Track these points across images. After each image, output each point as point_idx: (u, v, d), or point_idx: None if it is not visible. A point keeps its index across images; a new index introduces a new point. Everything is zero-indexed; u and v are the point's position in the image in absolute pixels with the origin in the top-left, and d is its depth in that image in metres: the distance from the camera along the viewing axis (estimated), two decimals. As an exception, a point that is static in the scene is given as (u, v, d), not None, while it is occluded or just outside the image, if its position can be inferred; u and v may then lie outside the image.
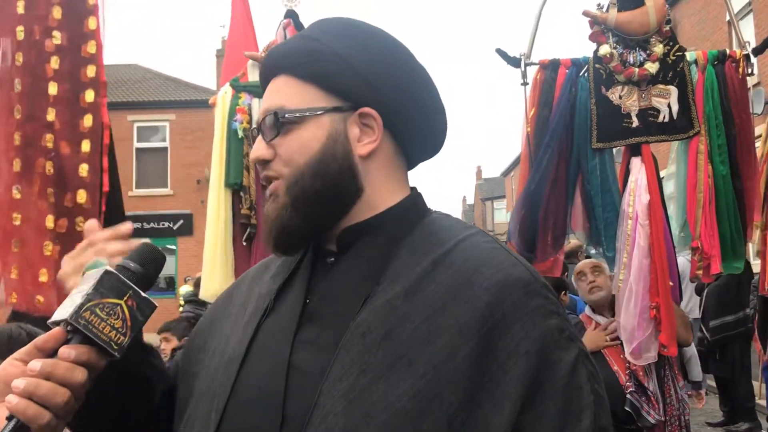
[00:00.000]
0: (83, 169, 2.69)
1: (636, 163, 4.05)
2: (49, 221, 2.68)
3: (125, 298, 1.05)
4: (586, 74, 4.16)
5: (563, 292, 6.73)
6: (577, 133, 4.16)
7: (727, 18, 15.50)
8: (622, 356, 4.02)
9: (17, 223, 2.66)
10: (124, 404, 1.21)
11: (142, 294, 1.08)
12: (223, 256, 3.93)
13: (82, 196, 2.66)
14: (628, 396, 3.96)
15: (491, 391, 1.02)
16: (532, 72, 4.29)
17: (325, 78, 1.21)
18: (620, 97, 4.03)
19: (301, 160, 1.19)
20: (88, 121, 2.69)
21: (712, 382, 9.28)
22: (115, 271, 1.07)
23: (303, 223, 1.19)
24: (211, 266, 3.93)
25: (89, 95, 2.69)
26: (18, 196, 2.65)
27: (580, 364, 1.07)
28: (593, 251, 5.08)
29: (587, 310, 4.51)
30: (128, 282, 1.07)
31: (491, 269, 1.12)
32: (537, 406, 1.02)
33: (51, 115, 2.65)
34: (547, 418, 1.02)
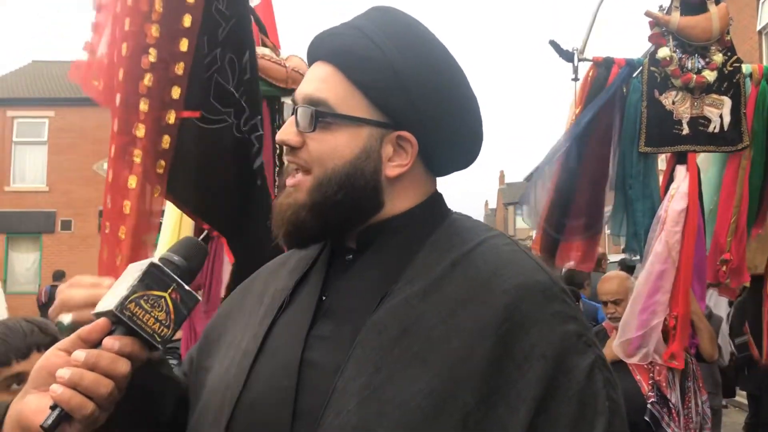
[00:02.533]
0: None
1: (681, 171, 4.00)
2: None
3: (169, 291, 1.06)
4: (639, 76, 4.08)
5: (577, 301, 6.68)
6: (622, 135, 4.09)
7: (758, 28, 15.35)
8: (645, 366, 3.96)
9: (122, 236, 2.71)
10: (134, 420, 1.18)
11: (186, 287, 1.08)
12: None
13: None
14: (648, 406, 3.91)
15: (506, 393, 1.01)
16: (583, 69, 4.22)
17: (376, 91, 1.17)
18: (673, 103, 3.96)
19: (330, 164, 1.16)
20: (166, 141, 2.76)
21: (741, 398, 9.24)
22: (160, 264, 1.07)
23: (317, 226, 1.17)
24: None
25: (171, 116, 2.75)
26: (127, 210, 2.69)
27: (597, 370, 1.06)
28: (624, 256, 5.03)
29: (611, 323, 4.46)
30: (173, 275, 1.07)
31: (511, 272, 1.11)
32: (551, 410, 1.01)
33: (140, 131, 2.71)
34: (560, 422, 1.01)
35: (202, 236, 4.03)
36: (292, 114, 1.19)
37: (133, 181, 2.67)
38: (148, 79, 2.67)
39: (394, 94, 1.15)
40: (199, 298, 1.10)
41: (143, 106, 2.68)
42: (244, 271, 3.00)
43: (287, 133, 1.18)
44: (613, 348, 3.92)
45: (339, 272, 1.20)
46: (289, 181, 1.19)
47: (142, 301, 1.03)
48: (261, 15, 4.03)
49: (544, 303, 1.07)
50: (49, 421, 0.97)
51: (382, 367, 1.02)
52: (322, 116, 1.15)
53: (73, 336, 1.03)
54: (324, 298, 1.17)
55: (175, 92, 2.73)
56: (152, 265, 1.06)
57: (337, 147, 1.15)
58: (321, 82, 1.18)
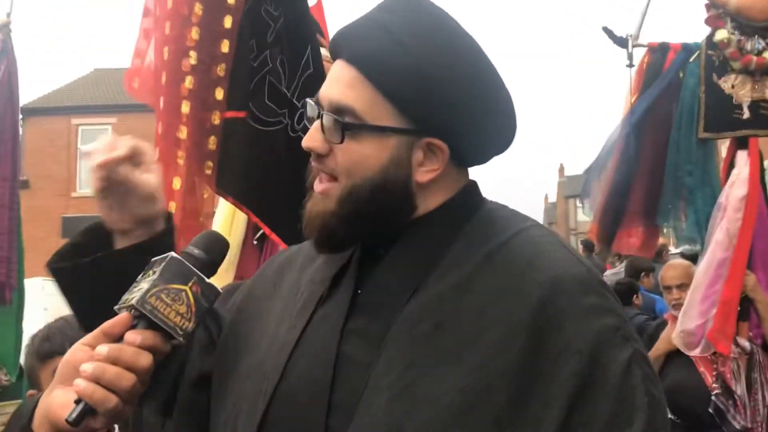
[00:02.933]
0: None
1: (742, 156, 3.89)
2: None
3: (190, 284, 1.06)
4: (696, 60, 3.99)
5: (635, 296, 6.56)
6: (679, 122, 4.01)
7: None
8: (709, 357, 3.86)
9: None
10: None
11: (207, 280, 1.09)
12: (229, 256, 3.88)
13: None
14: (713, 398, 3.81)
15: (541, 390, 0.98)
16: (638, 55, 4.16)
17: (404, 99, 1.12)
18: (732, 87, 3.85)
19: (359, 174, 1.13)
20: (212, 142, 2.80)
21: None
22: (180, 258, 1.08)
23: (349, 233, 1.15)
24: None
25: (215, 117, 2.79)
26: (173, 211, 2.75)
27: (635, 364, 1.02)
28: (686, 247, 4.94)
29: (672, 310, 4.36)
30: (193, 268, 1.08)
31: (546, 264, 1.07)
32: (588, 407, 0.98)
33: (182, 134, 2.76)
34: (597, 419, 0.98)
35: (257, 235, 4.09)
36: (318, 118, 1.16)
37: (177, 183, 2.71)
38: (189, 82, 2.72)
39: (421, 101, 1.11)
40: (220, 290, 1.10)
41: (185, 108, 2.72)
42: None
43: (313, 140, 1.15)
44: (674, 339, 3.83)
45: (373, 265, 1.17)
46: (318, 187, 1.17)
47: (162, 295, 1.04)
48: (315, 15, 4.06)
49: (579, 296, 1.04)
50: (74, 415, 0.98)
51: (413, 363, 1.01)
52: (349, 128, 1.12)
53: (96, 331, 1.05)
54: (359, 291, 1.16)
55: (219, 93, 2.77)
56: (172, 258, 1.07)
57: (366, 157, 1.12)
58: (346, 87, 1.13)
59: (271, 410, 1.10)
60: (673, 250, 8.95)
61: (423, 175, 1.15)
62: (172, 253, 1.09)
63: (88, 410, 0.99)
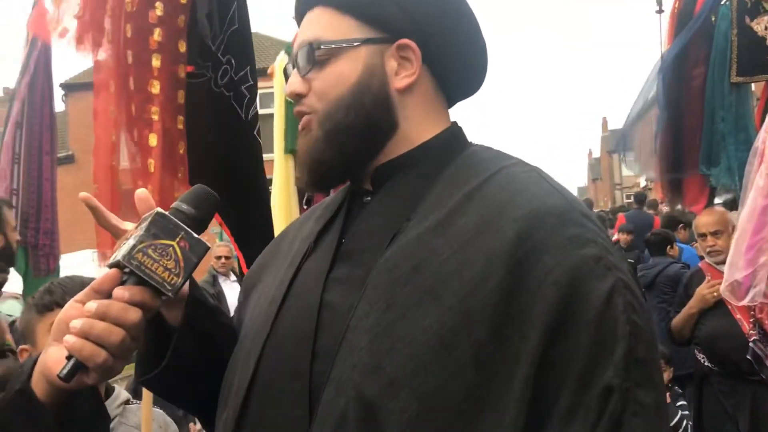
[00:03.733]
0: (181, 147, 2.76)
1: (778, 99, 3.80)
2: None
3: (177, 240, 1.06)
4: (727, 3, 3.89)
5: (670, 246, 6.49)
6: (712, 67, 3.93)
7: None
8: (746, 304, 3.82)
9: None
10: (196, 364, 1.22)
11: (195, 235, 1.08)
12: (290, 220, 3.95)
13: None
14: (750, 345, 3.78)
15: (520, 324, 0.97)
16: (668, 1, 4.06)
17: (362, 8, 1.17)
18: (766, 28, 3.75)
19: (335, 93, 1.16)
20: (181, 96, 2.75)
21: None
22: (166, 213, 1.08)
23: (336, 156, 1.17)
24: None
25: (181, 70, 2.74)
26: (152, 169, 2.72)
27: (617, 293, 0.99)
28: (727, 197, 4.87)
29: (708, 257, 4.32)
30: (180, 224, 1.08)
31: (524, 198, 1.06)
32: (568, 338, 0.96)
33: (155, 88, 2.70)
34: (577, 350, 0.96)
35: (304, 199, 4.09)
36: (294, 65, 1.21)
37: (153, 139, 2.64)
38: (157, 34, 2.63)
39: (382, 5, 1.16)
40: (209, 245, 1.10)
41: (155, 62, 2.64)
42: (244, 238, 3.02)
43: (292, 84, 1.20)
44: (721, 292, 3.77)
45: (357, 214, 1.20)
46: (300, 125, 1.20)
47: (150, 251, 1.04)
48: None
49: (558, 228, 1.02)
50: (65, 371, 1.00)
51: (392, 304, 1.01)
52: (317, 50, 1.16)
53: (87, 288, 1.07)
54: (343, 241, 1.18)
55: (182, 46, 2.70)
56: (158, 214, 1.07)
57: (340, 76, 1.16)
58: (309, 25, 1.20)
59: (262, 361, 1.12)
60: (716, 200, 8.82)
61: (400, 81, 1.17)
62: (158, 209, 1.09)
63: (78, 366, 1.00)
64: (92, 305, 1.03)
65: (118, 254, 1.06)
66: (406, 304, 1.01)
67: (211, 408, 1.23)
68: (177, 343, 1.16)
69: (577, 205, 1.08)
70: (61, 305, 1.99)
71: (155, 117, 2.65)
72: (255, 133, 2.86)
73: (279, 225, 3.68)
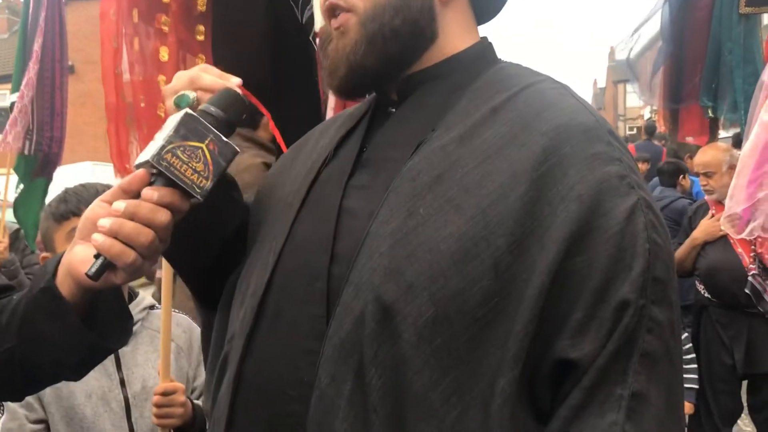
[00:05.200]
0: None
1: (786, 31, 3.73)
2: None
3: (206, 142, 1.05)
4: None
5: (682, 176, 6.48)
6: (720, -3, 3.86)
7: None
8: (747, 238, 3.84)
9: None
10: (198, 226, 1.22)
11: (224, 138, 1.07)
12: None
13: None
14: (749, 279, 3.82)
15: (540, 236, 0.97)
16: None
17: None
18: (776, -43, 3.66)
19: None
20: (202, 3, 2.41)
21: None
22: (195, 114, 1.06)
23: (377, 62, 1.14)
24: None
25: None
26: (163, 85, 2.53)
27: (639, 211, 1.00)
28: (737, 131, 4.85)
29: (707, 195, 4.35)
30: (209, 125, 1.06)
31: (552, 114, 1.05)
32: (587, 252, 0.97)
33: None
34: (596, 264, 0.97)
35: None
36: None
37: (165, 53, 2.42)
38: None
39: None
40: (238, 149, 1.09)
41: None
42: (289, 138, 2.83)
43: None
44: (721, 224, 3.78)
45: (380, 123, 1.19)
46: (334, 24, 1.17)
47: (179, 152, 1.03)
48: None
49: (585, 144, 1.02)
50: (93, 269, 1.00)
51: (414, 212, 1.02)
52: None
53: (115, 187, 1.06)
54: (364, 149, 1.18)
55: None
56: (187, 115, 1.05)
57: None
58: None
59: (280, 264, 1.13)
60: (723, 134, 8.77)
61: None
62: (187, 110, 1.07)
63: (107, 265, 1.01)
64: (121, 204, 1.02)
65: (146, 154, 1.04)
66: (428, 213, 1.01)
67: (202, 279, 1.30)
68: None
69: (604, 123, 1.07)
70: (77, 213, 2.02)
71: (165, 28, 2.42)
72: (304, 40, 2.55)
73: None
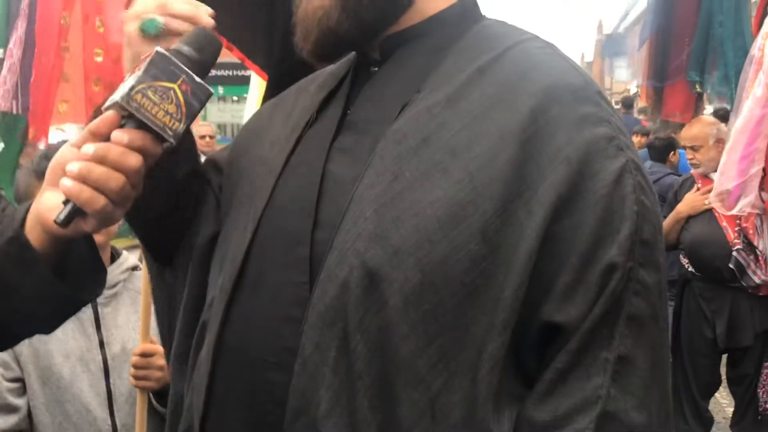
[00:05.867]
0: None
1: (777, 3, 3.70)
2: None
3: (178, 82, 0.99)
4: None
5: (672, 152, 6.48)
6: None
7: None
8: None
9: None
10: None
11: (197, 79, 1.01)
12: None
13: None
14: (734, 253, 3.83)
15: (528, 199, 0.96)
16: None
17: None
18: (768, -72, 3.62)
19: None
20: None
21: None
22: (167, 54, 1.01)
23: (351, 28, 1.10)
24: None
25: None
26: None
27: (627, 174, 0.99)
28: (720, 106, 4.84)
29: (693, 169, 4.35)
30: (181, 65, 1.01)
31: (540, 74, 1.03)
32: (574, 215, 0.96)
33: None
34: (584, 227, 0.96)
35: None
36: None
37: None
38: None
39: None
40: (211, 90, 1.04)
41: None
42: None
43: None
44: (711, 200, 3.78)
45: (363, 84, 1.15)
46: None
47: (149, 92, 0.98)
48: None
49: (573, 105, 1.00)
50: (62, 216, 0.96)
51: (399, 175, 1.00)
52: None
53: (84, 132, 1.01)
54: (348, 111, 1.15)
55: None
56: (158, 53, 1.00)
57: None
58: None
59: (259, 231, 1.11)
60: (708, 108, 8.79)
61: None
62: (159, 48, 1.01)
63: (76, 211, 0.96)
64: (89, 148, 0.97)
65: (116, 95, 0.98)
66: (414, 176, 0.99)
67: (152, 227, 1.28)
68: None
69: (592, 84, 1.05)
70: None
71: None
72: None
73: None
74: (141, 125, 0.98)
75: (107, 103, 1.00)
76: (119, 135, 0.98)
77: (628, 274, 0.96)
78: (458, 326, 0.95)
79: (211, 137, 7.31)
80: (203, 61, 1.04)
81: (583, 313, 0.95)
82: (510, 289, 0.94)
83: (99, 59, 3.08)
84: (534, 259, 0.95)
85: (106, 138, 0.98)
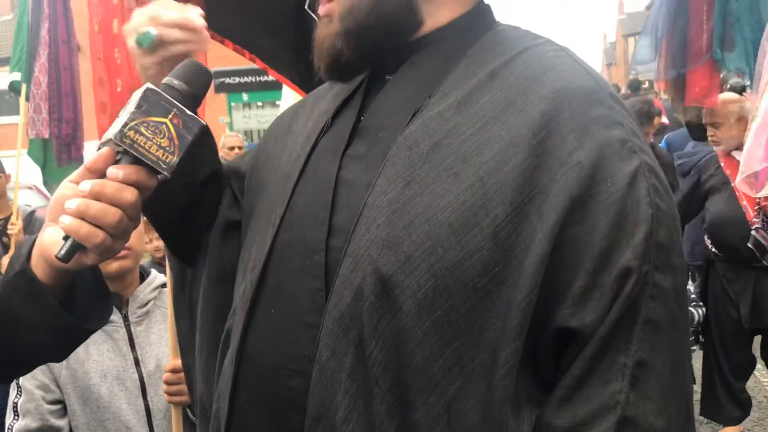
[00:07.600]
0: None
1: (791, -23, 3.65)
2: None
3: (170, 116, 1.02)
4: None
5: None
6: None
7: None
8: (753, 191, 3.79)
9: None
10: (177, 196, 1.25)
11: (188, 112, 1.03)
12: None
13: None
14: (753, 233, 3.77)
15: (540, 203, 0.95)
16: None
17: None
18: None
19: None
20: None
21: None
22: (157, 89, 1.04)
23: (354, 55, 1.13)
24: None
25: None
26: None
27: (641, 176, 0.97)
28: (735, 80, 4.75)
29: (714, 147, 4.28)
30: (172, 100, 1.04)
31: (551, 77, 1.03)
32: (587, 219, 0.95)
33: None
34: (597, 231, 0.94)
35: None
36: None
37: None
38: None
39: None
40: (204, 122, 1.07)
41: None
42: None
43: None
44: (737, 184, 3.72)
45: (378, 91, 1.17)
46: (321, 10, 1.16)
47: (142, 128, 1.00)
48: None
49: (585, 108, 0.99)
50: (63, 252, 0.99)
51: (411, 181, 1.00)
52: None
53: (81, 168, 1.05)
54: (362, 117, 1.16)
55: None
56: (149, 90, 1.02)
57: None
58: None
59: (278, 240, 1.14)
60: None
61: None
62: (149, 84, 1.04)
63: (76, 246, 0.99)
64: (86, 185, 1.00)
65: (110, 132, 1.02)
66: (426, 182, 1.00)
67: (173, 227, 1.35)
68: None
69: (604, 86, 1.05)
70: None
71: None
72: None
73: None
74: (135, 160, 1.01)
75: (102, 140, 1.04)
76: (114, 171, 1.01)
77: (643, 278, 0.94)
78: (472, 331, 0.95)
79: (240, 148, 7.32)
80: (193, 93, 1.07)
81: (598, 318, 0.94)
82: (523, 293, 0.94)
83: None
84: (546, 263, 0.94)
85: (103, 174, 1.02)
